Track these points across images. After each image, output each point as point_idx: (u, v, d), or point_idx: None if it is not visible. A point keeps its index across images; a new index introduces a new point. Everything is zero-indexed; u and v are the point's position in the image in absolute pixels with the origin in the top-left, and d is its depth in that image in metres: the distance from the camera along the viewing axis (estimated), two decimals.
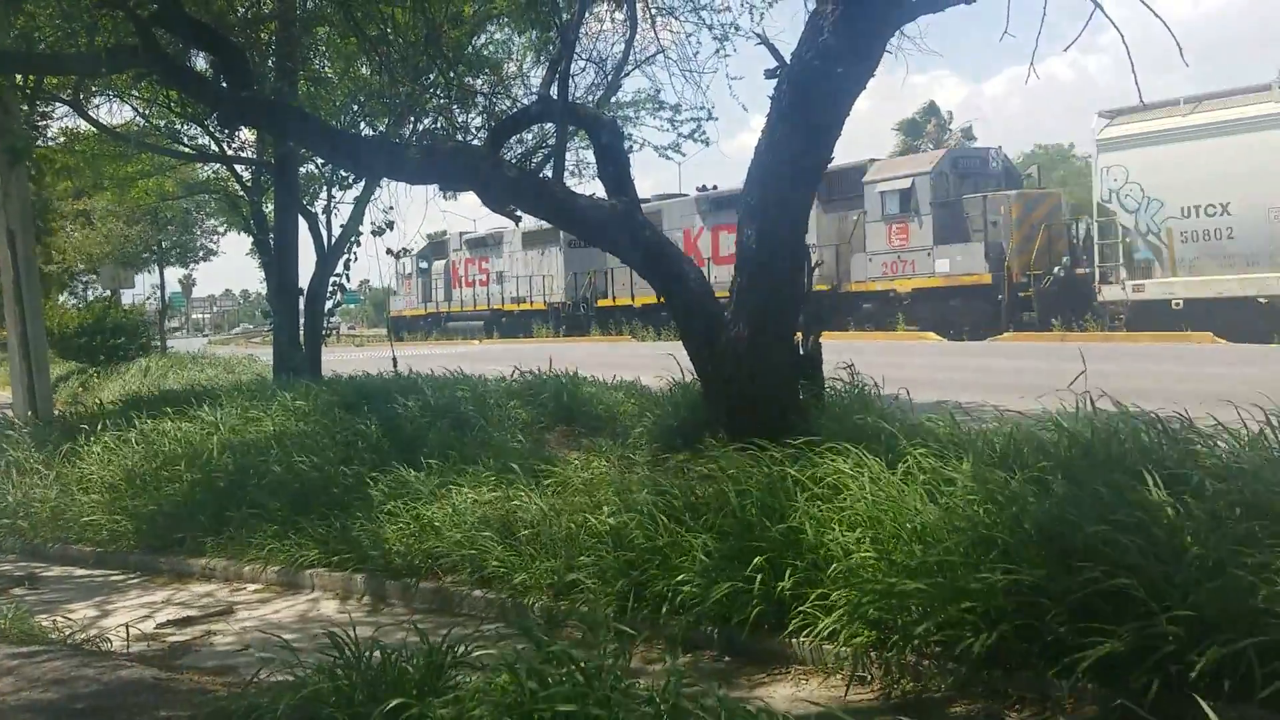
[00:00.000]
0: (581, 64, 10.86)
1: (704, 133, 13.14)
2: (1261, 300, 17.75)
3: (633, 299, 30.22)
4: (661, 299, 7.17)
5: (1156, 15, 5.42)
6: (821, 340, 7.12)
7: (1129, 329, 19.55)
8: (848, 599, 4.18)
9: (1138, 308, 19.59)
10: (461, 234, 39.14)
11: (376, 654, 3.72)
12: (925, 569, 4.02)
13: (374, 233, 14.26)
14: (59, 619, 5.75)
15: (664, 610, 4.71)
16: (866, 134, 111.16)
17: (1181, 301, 18.75)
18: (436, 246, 41.54)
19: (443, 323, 41.34)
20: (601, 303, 33.08)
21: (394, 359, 13.28)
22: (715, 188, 29.18)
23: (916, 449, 4.96)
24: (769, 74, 6.34)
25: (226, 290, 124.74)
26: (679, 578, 4.71)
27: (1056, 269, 21.47)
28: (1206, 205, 18.48)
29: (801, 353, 6.93)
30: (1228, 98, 18.83)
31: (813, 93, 5.97)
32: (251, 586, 6.66)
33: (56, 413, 13.25)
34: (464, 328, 39.56)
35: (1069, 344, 14.90)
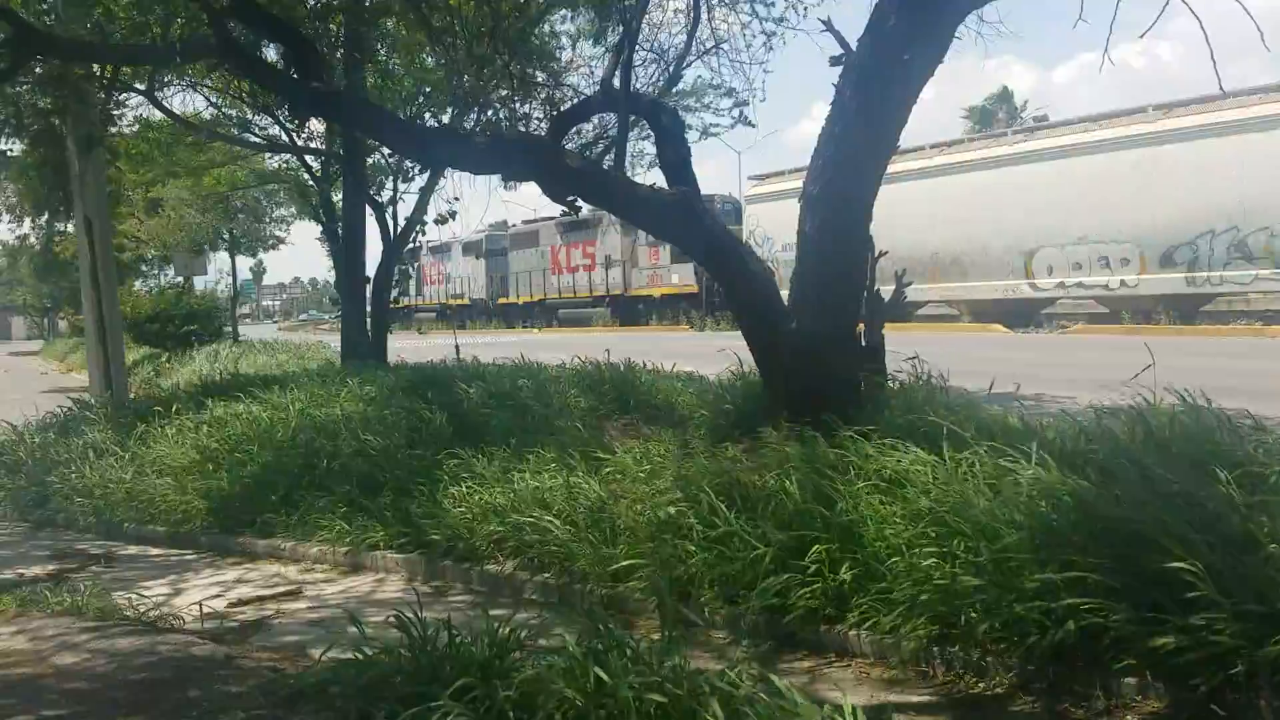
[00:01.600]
0: (643, 55, 10.86)
1: (747, 118, 13.08)
2: None
3: (518, 298, 43.18)
4: (720, 288, 7.15)
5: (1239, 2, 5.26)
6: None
7: None
8: (909, 593, 4.16)
9: None
10: (427, 242, 42.37)
11: (442, 635, 3.80)
12: (987, 566, 3.98)
13: (437, 222, 14.49)
14: (133, 596, 5.94)
15: (721, 598, 4.72)
16: (933, 120, 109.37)
17: None
18: (411, 252, 45.94)
19: (413, 314, 50.12)
20: (501, 300, 44.76)
21: (456, 346, 13.46)
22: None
23: (981, 442, 4.90)
24: (834, 61, 6.28)
25: (295, 278, 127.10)
26: (736, 566, 4.73)
27: None
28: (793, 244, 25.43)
29: (864, 344, 6.87)
30: None
31: (878, 80, 5.90)
32: (319, 567, 6.81)
33: (131, 396, 13.65)
34: (424, 317, 49.69)
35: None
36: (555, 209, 17.93)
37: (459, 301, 48.04)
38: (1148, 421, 4.96)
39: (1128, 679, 3.49)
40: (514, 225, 42.65)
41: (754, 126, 13.34)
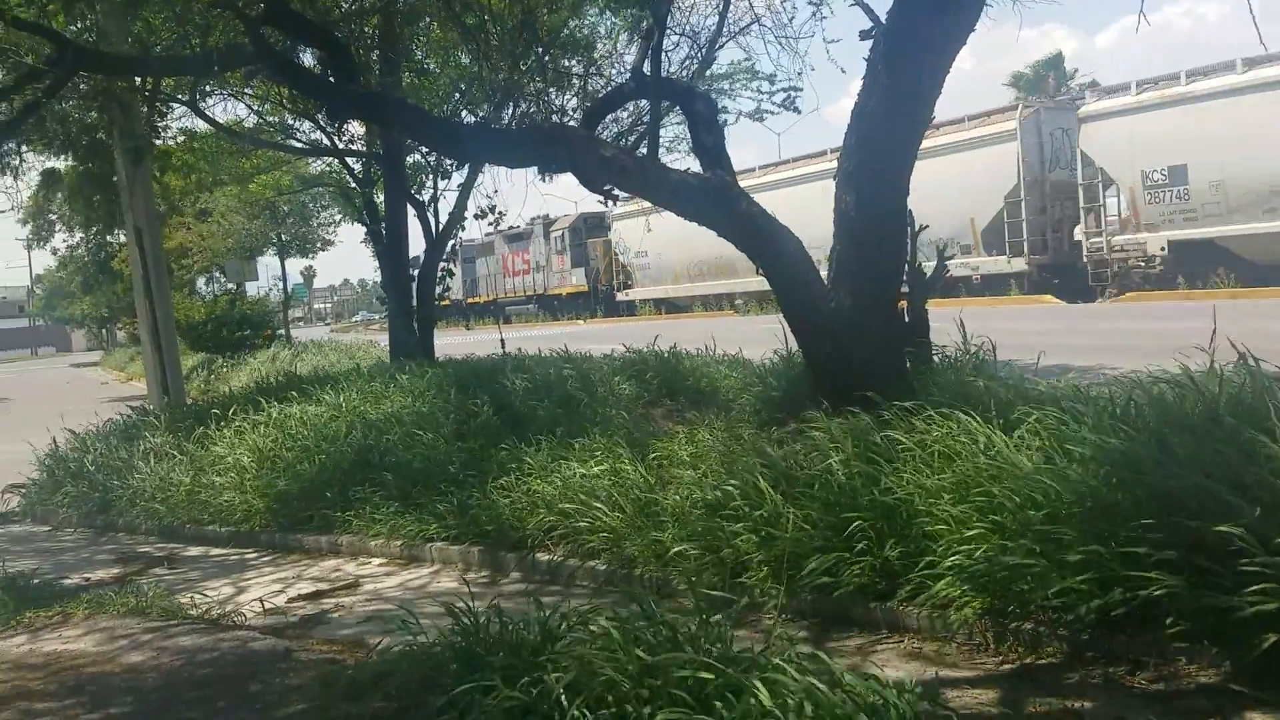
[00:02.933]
0: (674, 39, 10.84)
1: (793, 100, 12.88)
2: (691, 296, 36.54)
3: (479, 298, 50.32)
4: (760, 271, 7.14)
5: None
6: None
7: (627, 315, 38.61)
8: (959, 566, 4.15)
9: (630, 304, 39.97)
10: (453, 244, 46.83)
11: (494, 623, 3.86)
12: (1037, 537, 3.95)
13: (477, 216, 14.60)
14: (196, 596, 6.11)
15: (771, 579, 4.74)
16: (975, 90, 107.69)
17: (642, 300, 39.22)
18: (450, 252, 49.96)
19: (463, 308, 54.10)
20: (470, 299, 50.32)
21: (501, 340, 13.57)
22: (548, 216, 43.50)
23: (1030, 415, 4.85)
24: (864, 35, 6.24)
25: (345, 280, 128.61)
26: (784, 546, 4.74)
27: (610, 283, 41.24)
28: (641, 251, 37.14)
29: (906, 319, 6.82)
30: None
31: (909, 50, 5.85)
32: (376, 560, 6.94)
33: (189, 401, 13.96)
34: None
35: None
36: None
37: (442, 303, 50.95)
38: (1199, 387, 4.86)
39: (1182, 644, 3.45)
40: (477, 238, 44.75)
41: (798, 112, 13.04)
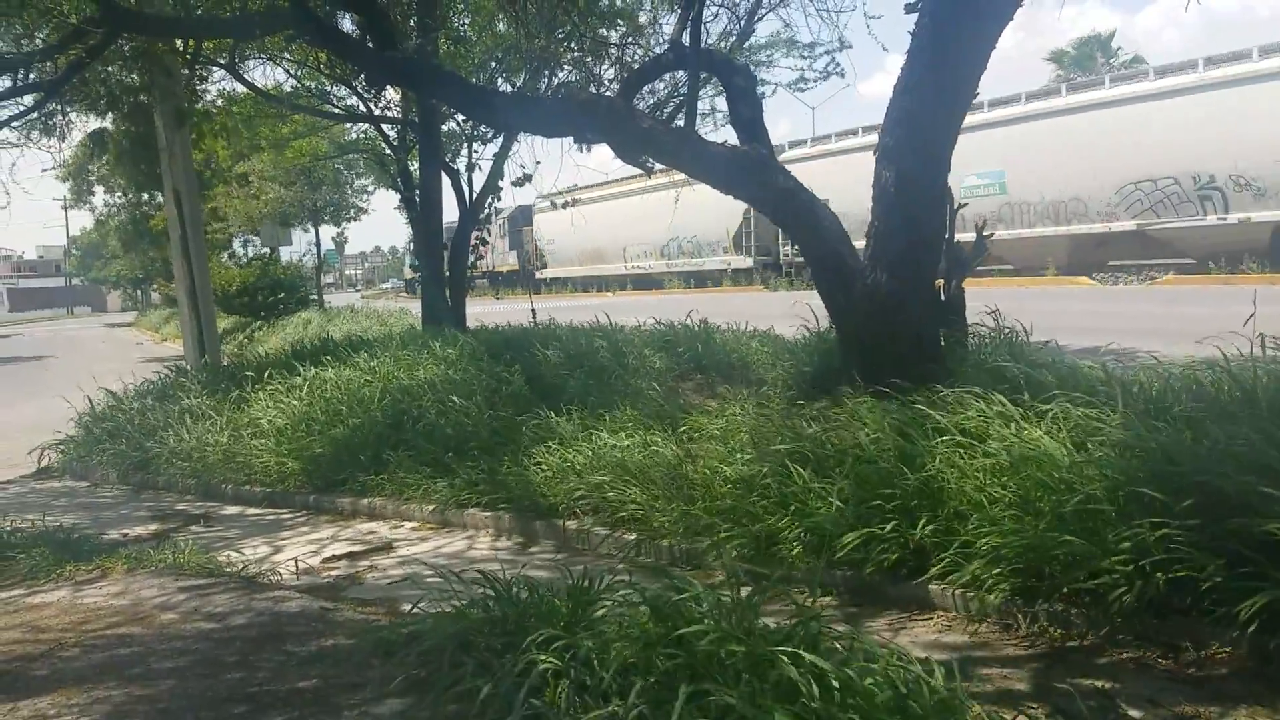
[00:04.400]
0: (713, 9, 10.75)
1: (839, 65, 12.78)
2: (579, 278, 44.88)
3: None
4: (795, 245, 7.10)
5: None
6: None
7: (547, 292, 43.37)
8: (991, 545, 4.14)
9: (544, 281, 45.94)
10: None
11: (525, 590, 3.91)
12: (1070, 519, 3.94)
13: (514, 184, 14.61)
14: (233, 554, 6.22)
15: (798, 554, 4.75)
16: (1014, 68, 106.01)
17: (551, 278, 46.72)
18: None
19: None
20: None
21: (533, 310, 13.62)
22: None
23: (1064, 396, 4.82)
24: (909, 8, 6.16)
25: (376, 247, 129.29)
26: (812, 523, 4.75)
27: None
28: (550, 239, 46.42)
29: (943, 298, 6.78)
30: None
31: (953, 26, 5.77)
32: (409, 524, 7.03)
33: (225, 363, 14.12)
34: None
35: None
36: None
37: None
38: (1233, 374, 4.81)
39: (1217, 630, 3.44)
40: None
41: (842, 76, 12.97)
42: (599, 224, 36.62)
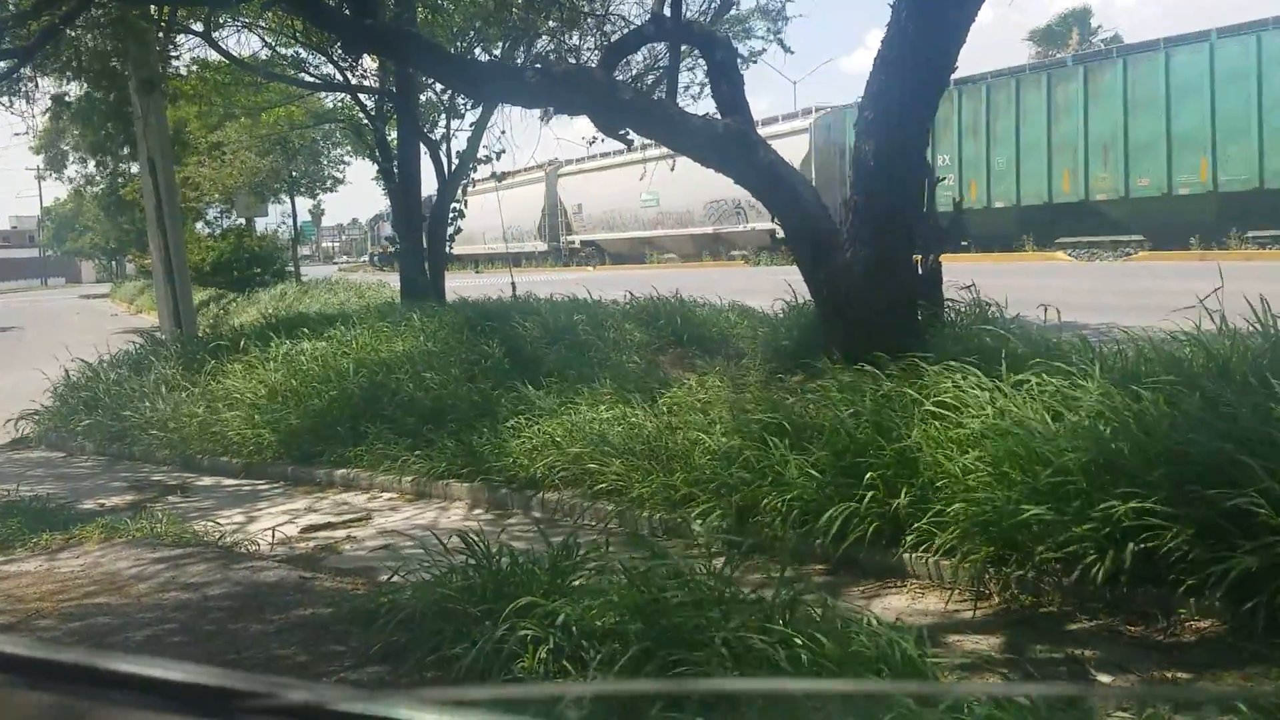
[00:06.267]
0: None
1: (780, 39, 12.71)
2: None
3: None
4: (775, 219, 7.12)
5: None
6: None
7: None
8: (965, 515, 4.19)
9: None
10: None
11: (504, 558, 3.93)
12: (1044, 489, 3.99)
13: (485, 159, 14.52)
14: (209, 524, 6.21)
15: (776, 525, 4.80)
16: (996, 45, 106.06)
17: None
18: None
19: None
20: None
21: (513, 284, 13.57)
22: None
23: (1038, 367, 4.87)
24: None
25: (354, 219, 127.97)
26: (790, 494, 4.79)
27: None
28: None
29: (920, 272, 6.82)
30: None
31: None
32: (385, 495, 7.03)
33: (201, 334, 14.02)
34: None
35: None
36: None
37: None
38: (1208, 347, 4.87)
39: (1187, 598, 3.51)
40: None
41: (791, 52, 12.96)
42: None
